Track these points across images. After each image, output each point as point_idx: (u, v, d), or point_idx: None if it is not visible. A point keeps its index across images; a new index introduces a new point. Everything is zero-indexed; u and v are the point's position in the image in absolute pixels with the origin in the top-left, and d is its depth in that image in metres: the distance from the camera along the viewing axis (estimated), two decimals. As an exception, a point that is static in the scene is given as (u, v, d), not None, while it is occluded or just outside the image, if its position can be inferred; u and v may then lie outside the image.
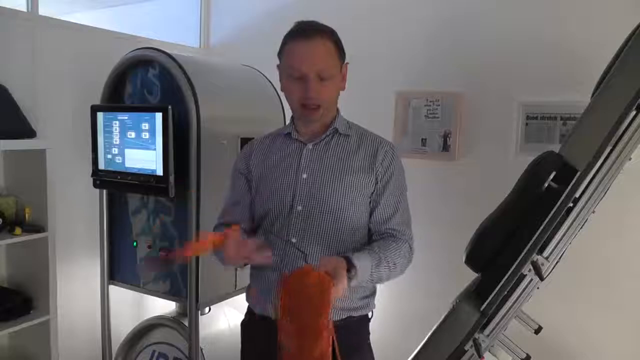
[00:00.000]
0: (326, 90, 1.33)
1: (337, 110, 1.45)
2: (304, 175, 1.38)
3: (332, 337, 1.19)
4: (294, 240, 1.36)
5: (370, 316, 1.47)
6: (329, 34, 1.34)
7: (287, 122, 1.51)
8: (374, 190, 1.39)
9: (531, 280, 1.57)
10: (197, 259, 2.08)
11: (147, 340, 2.39)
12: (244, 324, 1.55)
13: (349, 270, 1.21)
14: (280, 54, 1.38)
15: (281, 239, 1.37)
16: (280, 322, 1.21)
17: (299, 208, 1.37)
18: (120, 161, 2.17)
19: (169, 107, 2.00)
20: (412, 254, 1.40)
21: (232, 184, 1.52)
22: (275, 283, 1.32)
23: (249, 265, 1.48)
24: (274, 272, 1.37)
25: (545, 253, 1.56)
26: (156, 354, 2.35)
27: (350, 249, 1.33)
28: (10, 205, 2.19)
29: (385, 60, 2.66)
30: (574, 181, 1.53)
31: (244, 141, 2.04)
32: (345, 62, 1.40)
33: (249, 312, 1.51)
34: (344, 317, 1.38)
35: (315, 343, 1.17)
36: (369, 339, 1.49)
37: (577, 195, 1.54)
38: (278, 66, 1.40)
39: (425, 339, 1.76)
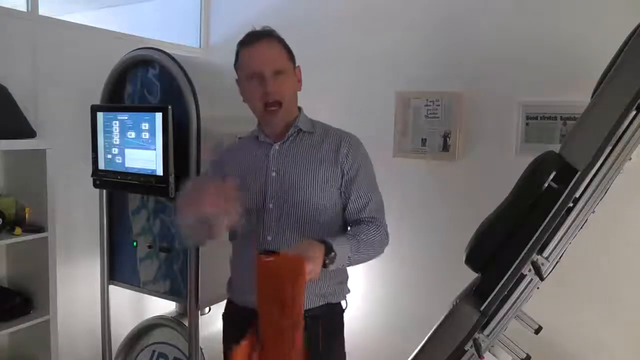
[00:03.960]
0: (283, 86, 1.42)
1: (300, 109, 1.53)
2: (273, 174, 1.46)
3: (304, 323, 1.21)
4: (269, 237, 1.44)
5: (344, 307, 1.55)
6: (274, 37, 1.45)
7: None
8: (342, 183, 1.46)
9: (531, 280, 1.57)
10: (197, 259, 2.08)
11: (147, 340, 2.39)
12: (225, 315, 1.61)
13: (327, 254, 1.27)
14: (235, 64, 1.47)
15: (258, 238, 1.44)
16: (259, 309, 1.24)
17: (270, 206, 1.44)
18: (120, 161, 2.17)
19: (169, 107, 2.00)
20: (388, 238, 1.48)
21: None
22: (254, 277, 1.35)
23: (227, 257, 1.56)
24: (251, 263, 1.33)
25: (545, 253, 1.55)
26: (156, 354, 2.35)
27: (308, 236, 1.39)
28: (10, 205, 2.19)
29: (385, 60, 2.66)
30: (574, 181, 1.53)
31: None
32: (297, 65, 1.49)
33: (230, 303, 1.58)
34: (321, 303, 1.45)
35: (289, 327, 1.19)
36: (343, 331, 1.55)
37: (577, 195, 1.54)
38: (237, 80, 1.49)
39: (425, 339, 1.76)
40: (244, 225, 1.43)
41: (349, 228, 1.51)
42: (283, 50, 1.45)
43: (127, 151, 2.14)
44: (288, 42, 1.49)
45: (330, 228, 1.45)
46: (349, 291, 1.56)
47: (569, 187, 1.53)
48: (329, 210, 1.46)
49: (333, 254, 1.27)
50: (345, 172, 1.46)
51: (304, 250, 1.24)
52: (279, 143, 1.48)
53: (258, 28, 1.46)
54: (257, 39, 1.42)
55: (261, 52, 1.41)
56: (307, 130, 1.50)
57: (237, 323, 1.48)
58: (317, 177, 1.44)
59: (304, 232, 1.43)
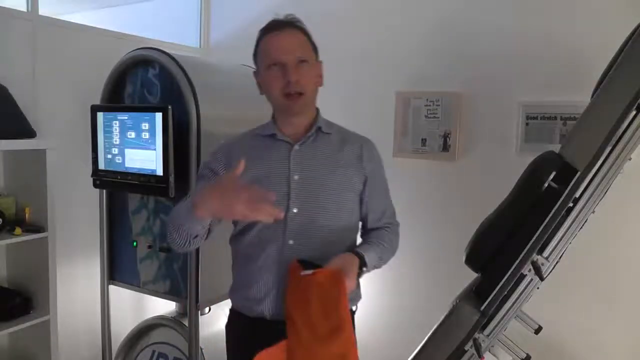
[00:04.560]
0: (306, 76, 1.34)
1: (317, 110, 1.47)
2: (296, 177, 1.37)
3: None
4: (291, 242, 1.36)
5: (355, 310, 1.54)
6: (299, 27, 1.39)
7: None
8: (363, 190, 1.45)
9: (531, 280, 1.57)
10: (197, 259, 2.08)
11: (147, 340, 2.39)
12: (231, 327, 1.51)
13: (360, 267, 1.32)
14: (256, 54, 1.40)
15: (277, 242, 1.36)
16: (291, 321, 1.25)
17: (295, 210, 1.36)
18: (120, 161, 2.16)
19: (169, 107, 2.00)
20: (399, 236, 1.56)
21: (202, 176, 1.45)
22: (274, 283, 1.35)
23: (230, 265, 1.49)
24: (270, 274, 1.36)
25: (545, 253, 1.56)
26: (156, 354, 2.35)
27: (342, 247, 1.39)
28: (10, 205, 2.19)
29: (385, 60, 2.66)
30: (574, 181, 1.53)
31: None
32: (320, 60, 1.43)
33: (237, 314, 1.46)
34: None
35: (331, 338, 1.21)
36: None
37: (577, 195, 1.54)
38: (255, 73, 1.42)
39: (425, 339, 1.76)
40: (261, 230, 1.37)
41: (361, 232, 1.52)
42: (307, 41, 1.38)
43: (127, 151, 2.14)
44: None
45: (349, 232, 1.45)
46: (361, 297, 1.55)
47: (569, 187, 1.53)
48: (349, 214, 1.43)
49: (365, 268, 1.35)
50: (367, 177, 1.44)
51: (343, 265, 1.29)
52: (299, 143, 1.39)
53: (281, 17, 1.40)
54: (280, 27, 1.36)
55: (284, 40, 1.34)
56: (326, 131, 1.44)
57: (248, 335, 1.41)
58: (340, 180, 1.40)
59: (325, 236, 1.38)
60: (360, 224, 1.52)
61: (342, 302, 1.23)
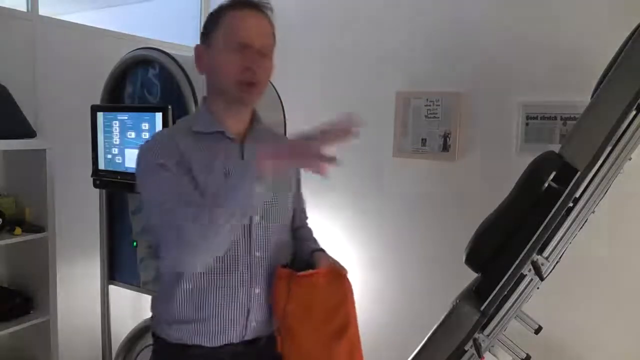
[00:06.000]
0: (266, 68, 1.19)
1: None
2: None
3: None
4: (257, 254, 1.22)
5: None
6: (269, 16, 1.22)
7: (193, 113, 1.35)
8: (295, 187, 1.40)
9: (531, 280, 1.57)
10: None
11: (147, 340, 2.38)
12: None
13: None
14: (212, 27, 1.19)
15: (243, 257, 1.20)
16: (290, 333, 1.21)
17: (257, 218, 1.22)
18: (120, 161, 2.16)
19: (169, 107, 2.00)
20: None
21: (160, 176, 1.12)
22: (247, 301, 1.21)
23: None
24: (242, 289, 1.20)
25: (545, 253, 1.56)
26: (156, 354, 2.35)
27: (287, 247, 1.34)
28: (10, 205, 2.19)
29: (385, 60, 2.66)
30: (574, 181, 1.53)
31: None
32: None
33: (185, 347, 1.21)
34: None
35: (336, 340, 1.19)
36: None
37: (577, 195, 1.54)
38: (200, 47, 1.21)
39: (425, 339, 1.76)
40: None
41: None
42: (273, 31, 1.22)
43: (127, 151, 2.14)
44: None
45: (289, 232, 1.38)
46: None
47: (569, 187, 1.53)
48: (289, 212, 1.36)
49: None
50: (296, 176, 1.40)
51: (334, 263, 1.26)
52: (247, 142, 1.24)
53: None
54: (253, 6, 1.18)
55: (257, 22, 1.18)
56: (261, 127, 1.30)
57: None
58: (288, 180, 1.35)
59: (282, 239, 1.29)
60: None
61: (347, 299, 1.21)
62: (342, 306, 1.21)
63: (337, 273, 1.24)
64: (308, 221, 1.49)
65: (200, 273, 1.17)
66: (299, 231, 1.43)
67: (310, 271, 1.22)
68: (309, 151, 0.97)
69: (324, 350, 1.19)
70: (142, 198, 1.16)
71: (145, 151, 1.18)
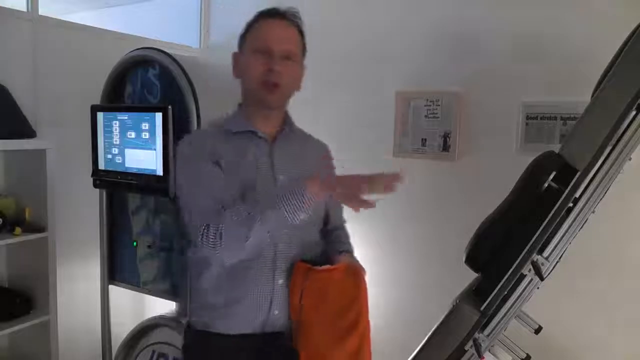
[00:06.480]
0: (288, 72, 1.28)
1: (286, 111, 1.42)
2: (281, 177, 1.32)
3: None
4: (281, 246, 1.29)
5: None
6: (297, 24, 1.34)
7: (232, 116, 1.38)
8: None
9: (531, 280, 1.57)
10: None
11: (147, 340, 2.39)
12: (203, 350, 1.32)
13: None
14: (244, 35, 1.33)
15: (268, 249, 1.27)
16: (306, 325, 1.24)
17: None
18: (120, 161, 2.16)
19: (169, 107, 2.00)
20: None
21: (201, 168, 1.25)
22: (270, 290, 1.28)
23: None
24: (265, 278, 1.28)
25: (545, 253, 1.55)
26: (156, 354, 2.35)
27: (318, 246, 1.39)
28: (10, 205, 2.19)
29: (385, 60, 2.66)
30: (574, 181, 1.53)
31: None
32: (304, 65, 1.38)
33: (216, 336, 1.30)
34: None
35: (346, 337, 1.21)
36: None
37: (577, 195, 1.54)
38: (235, 53, 1.35)
39: (425, 339, 1.76)
40: None
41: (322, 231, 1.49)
42: (300, 40, 1.34)
43: (127, 151, 2.14)
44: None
45: (318, 231, 1.45)
46: None
47: (569, 187, 1.53)
48: (322, 214, 1.44)
49: None
50: None
51: (354, 262, 1.33)
52: (277, 142, 1.34)
53: (284, 8, 1.33)
54: (279, 16, 1.31)
55: (279, 29, 1.29)
56: (294, 130, 1.42)
57: (237, 355, 1.31)
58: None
59: (306, 238, 1.34)
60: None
61: (361, 296, 1.25)
62: (355, 302, 1.24)
63: (353, 271, 1.27)
64: (345, 224, 1.54)
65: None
66: (335, 233, 1.48)
67: (327, 266, 1.26)
68: (358, 191, 1.07)
69: (334, 344, 1.22)
70: (178, 182, 1.29)
71: (185, 146, 1.32)
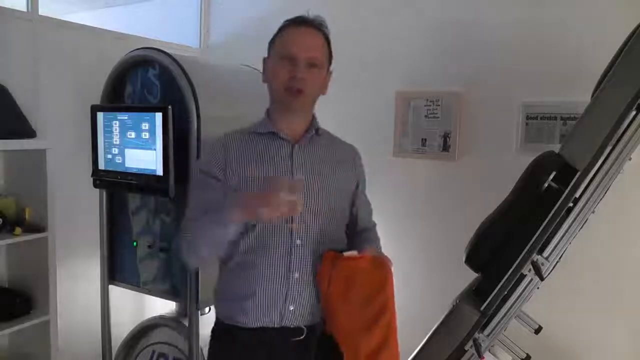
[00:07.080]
0: (313, 78, 1.34)
1: (314, 115, 1.46)
2: (300, 176, 1.36)
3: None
4: (298, 242, 1.34)
5: None
6: (323, 32, 1.39)
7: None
8: (355, 191, 1.49)
9: (531, 280, 1.58)
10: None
11: (147, 340, 2.39)
12: (224, 342, 1.43)
13: None
14: (272, 41, 1.39)
15: (284, 243, 1.33)
16: (333, 315, 1.28)
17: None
18: (120, 161, 2.16)
19: (169, 107, 2.00)
20: None
21: (204, 184, 1.37)
22: (286, 283, 1.33)
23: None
24: (281, 271, 1.33)
25: (545, 253, 1.56)
26: (156, 354, 2.35)
27: (337, 244, 1.41)
28: (10, 205, 2.18)
29: (385, 60, 2.66)
30: (574, 181, 1.53)
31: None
32: (331, 70, 1.44)
33: (238, 330, 1.37)
34: None
35: (371, 328, 1.26)
36: None
37: (577, 195, 1.54)
38: (265, 59, 1.40)
39: (426, 338, 1.76)
40: (262, 234, 1.33)
41: (348, 232, 1.52)
42: (325, 47, 1.39)
43: (127, 151, 2.14)
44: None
45: (343, 231, 1.48)
46: None
47: (569, 187, 1.53)
48: (344, 213, 1.47)
49: None
50: (359, 181, 1.51)
51: (380, 253, 1.37)
52: (299, 143, 1.39)
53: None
54: (305, 23, 1.36)
55: (304, 37, 1.34)
56: (321, 134, 1.46)
57: (252, 349, 1.36)
58: (340, 180, 1.43)
59: (327, 235, 1.38)
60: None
61: (387, 287, 1.28)
62: (381, 292, 1.28)
63: (380, 261, 1.30)
64: (374, 226, 1.58)
65: (246, 253, 1.34)
66: (364, 234, 1.51)
67: (354, 253, 1.29)
68: (270, 203, 1.14)
69: (361, 332, 1.25)
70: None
71: (207, 154, 1.44)
